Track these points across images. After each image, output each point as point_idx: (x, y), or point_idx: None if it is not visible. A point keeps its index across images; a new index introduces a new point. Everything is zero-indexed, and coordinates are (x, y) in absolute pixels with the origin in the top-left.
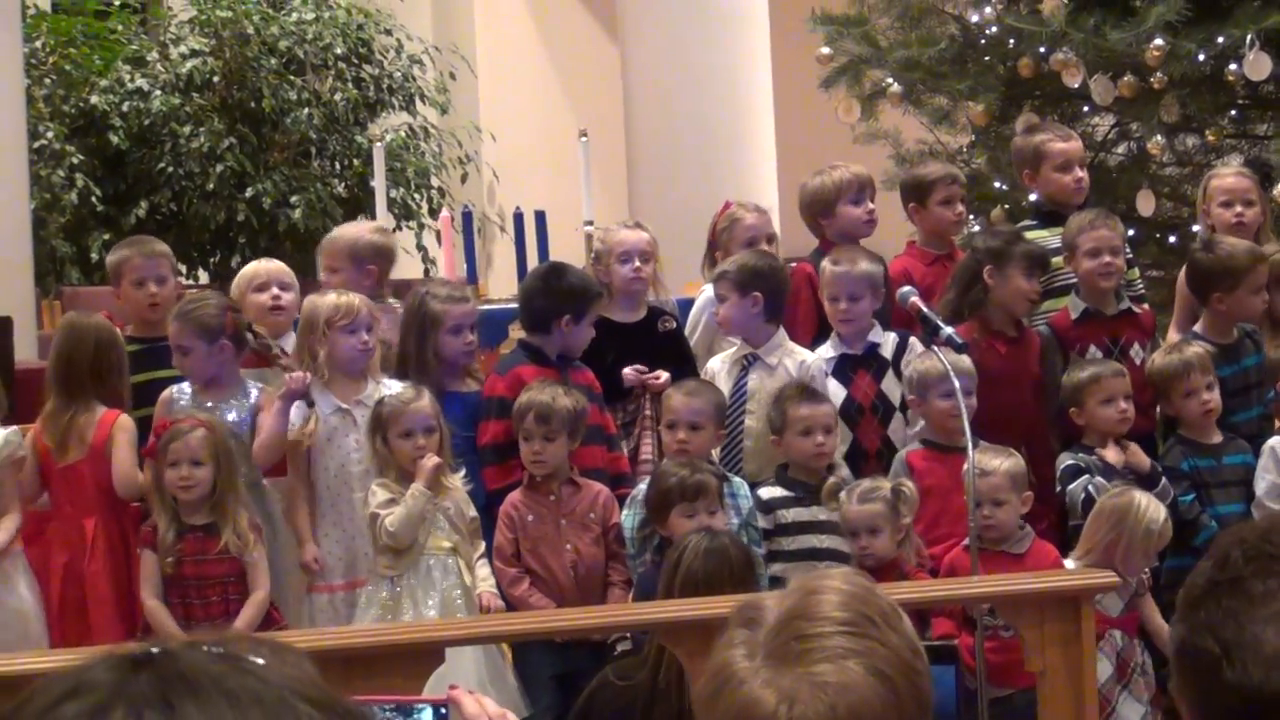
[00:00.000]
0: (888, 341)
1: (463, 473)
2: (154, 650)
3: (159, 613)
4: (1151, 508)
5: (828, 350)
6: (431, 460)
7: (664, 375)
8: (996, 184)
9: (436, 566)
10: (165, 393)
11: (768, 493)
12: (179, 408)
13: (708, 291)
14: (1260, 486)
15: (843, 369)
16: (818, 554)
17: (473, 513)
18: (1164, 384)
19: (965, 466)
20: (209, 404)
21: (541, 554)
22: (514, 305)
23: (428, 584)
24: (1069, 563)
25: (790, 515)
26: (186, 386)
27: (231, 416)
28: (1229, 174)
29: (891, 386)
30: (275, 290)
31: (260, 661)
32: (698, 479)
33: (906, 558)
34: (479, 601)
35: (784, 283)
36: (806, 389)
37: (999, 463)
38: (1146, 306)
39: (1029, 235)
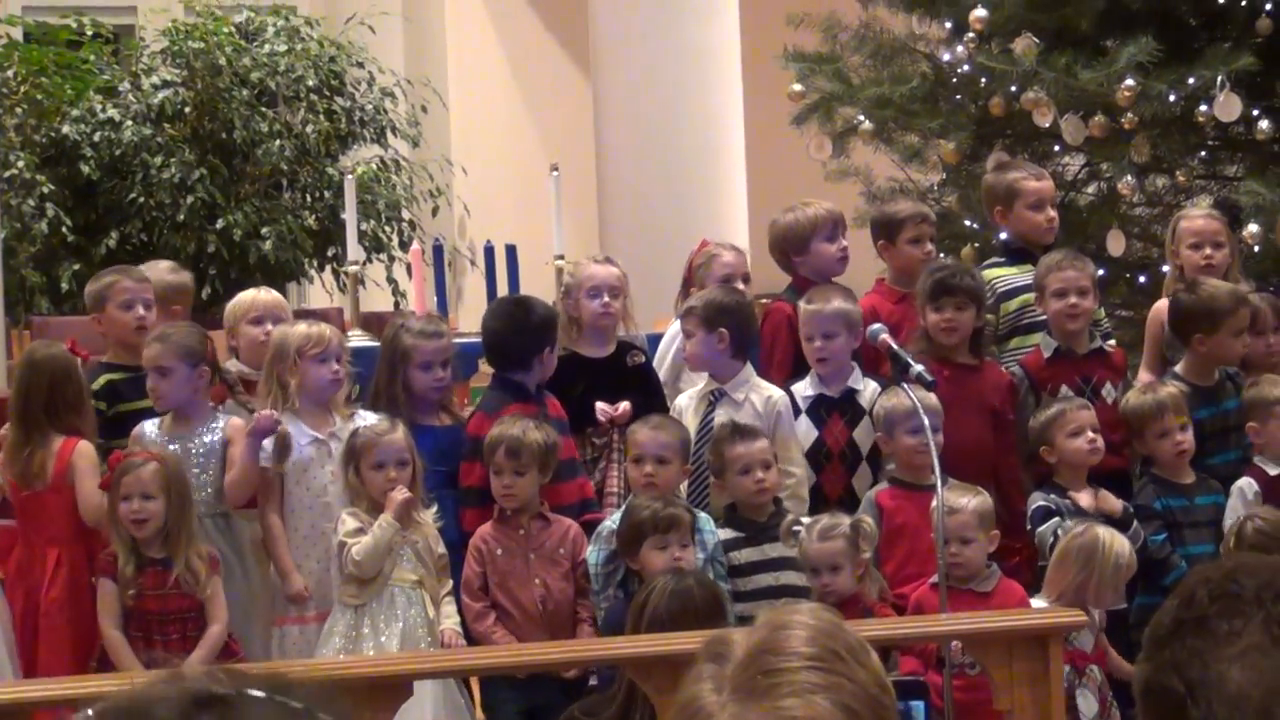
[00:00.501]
0: (867, 389)
1: (434, 509)
2: (216, 691)
3: (118, 643)
4: (1116, 542)
5: (805, 388)
6: (401, 493)
7: (624, 405)
8: (967, 222)
9: (400, 598)
10: (136, 429)
11: (718, 535)
12: (146, 441)
13: (676, 326)
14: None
15: (817, 410)
16: (775, 592)
17: (441, 549)
18: (1138, 423)
19: (933, 504)
20: (178, 438)
21: (510, 588)
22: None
23: (390, 614)
24: (1036, 602)
25: (742, 556)
26: (156, 422)
27: (207, 438)
28: (1198, 216)
29: (864, 435)
30: (269, 326)
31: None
32: (670, 512)
33: (868, 592)
34: (441, 638)
35: (751, 319)
36: (739, 428)
37: (967, 500)
38: (1115, 344)
39: (997, 272)
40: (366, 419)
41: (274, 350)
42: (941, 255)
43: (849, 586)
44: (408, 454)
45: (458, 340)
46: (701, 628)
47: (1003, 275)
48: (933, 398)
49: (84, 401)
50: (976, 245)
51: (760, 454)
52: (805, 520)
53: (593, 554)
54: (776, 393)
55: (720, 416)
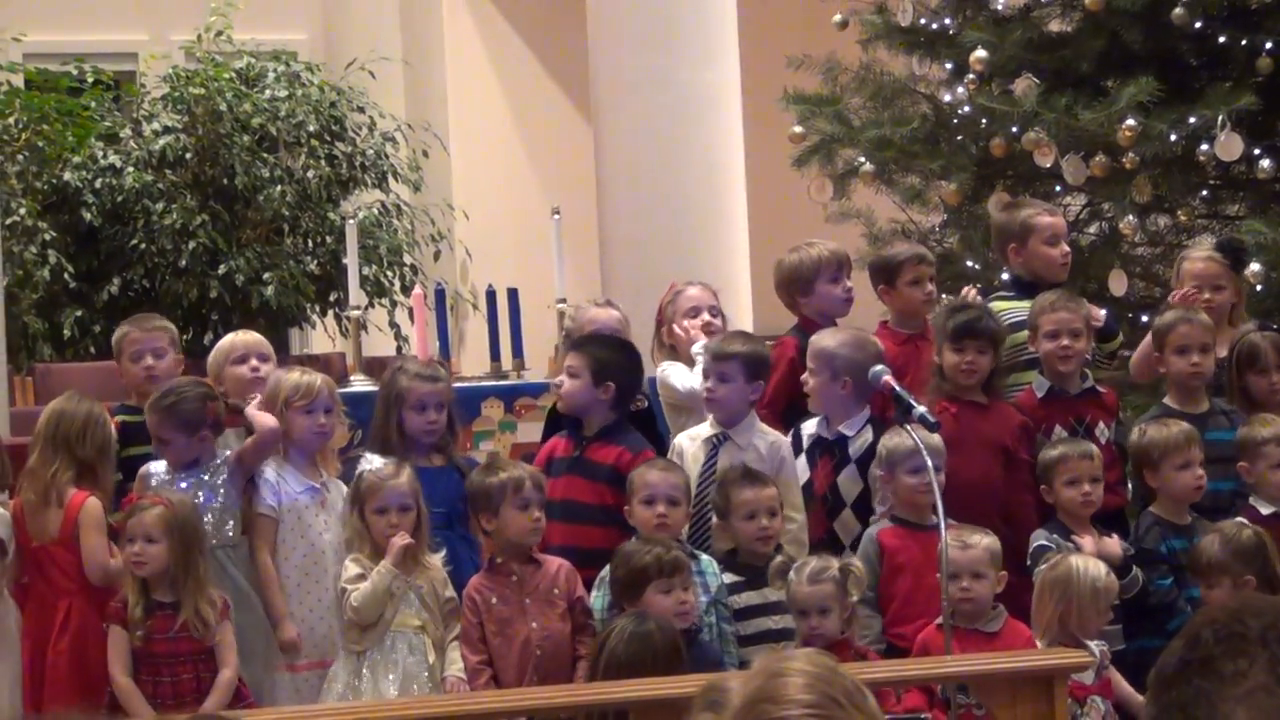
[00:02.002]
0: (860, 439)
1: (442, 553)
2: None
3: (128, 692)
4: (1090, 566)
5: (810, 427)
6: (400, 539)
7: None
8: (969, 263)
9: (402, 644)
10: (143, 469)
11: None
12: (152, 481)
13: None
14: None
15: (813, 451)
16: (775, 635)
17: (449, 593)
18: (1159, 454)
19: (940, 544)
20: (184, 480)
21: (508, 635)
22: (488, 383)
23: (390, 660)
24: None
25: (742, 600)
26: (159, 464)
27: (218, 474)
28: (1199, 258)
29: (848, 481)
30: (254, 362)
31: None
32: (674, 556)
33: (855, 636)
34: (444, 685)
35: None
36: (749, 472)
37: (979, 538)
38: (1109, 388)
39: (1005, 305)
40: (373, 462)
41: (268, 395)
42: (943, 296)
43: (837, 630)
44: (411, 499)
45: (460, 385)
46: (659, 673)
47: (1011, 308)
48: (936, 438)
49: (110, 455)
50: (979, 285)
51: (768, 500)
52: (795, 563)
53: (597, 599)
54: (780, 438)
55: (723, 460)
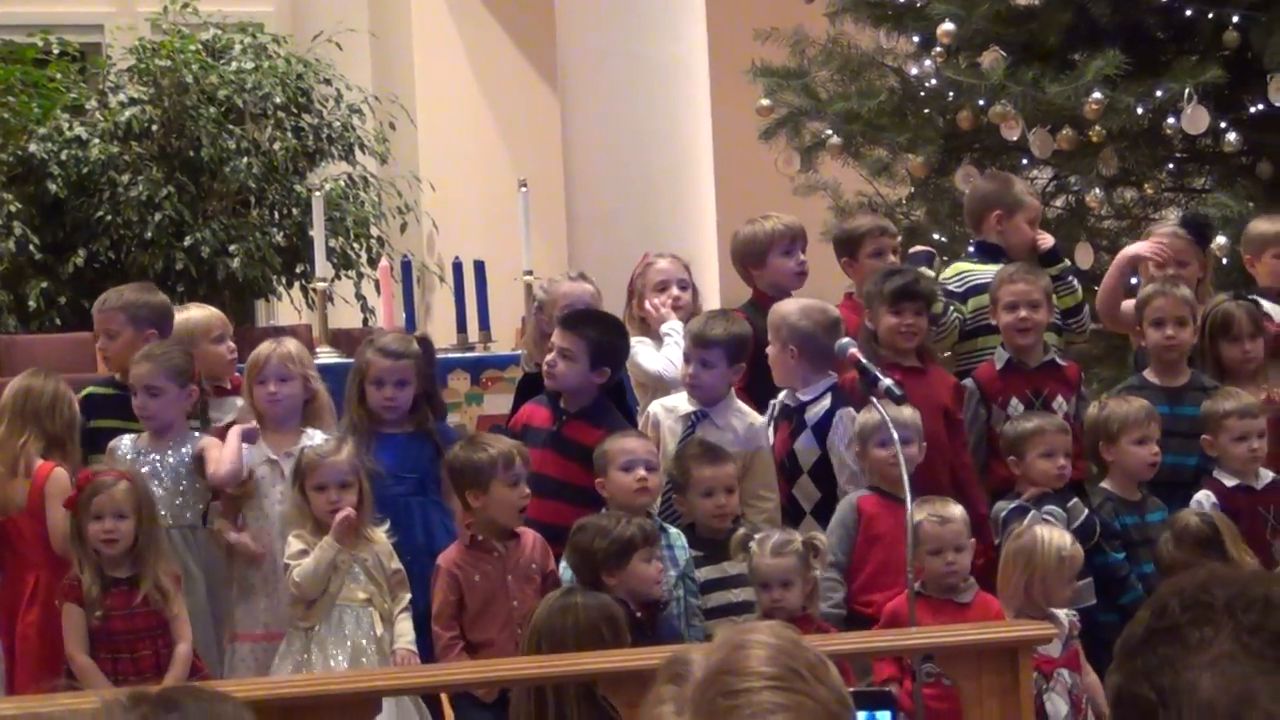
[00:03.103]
0: (817, 406)
1: (386, 525)
2: None
3: (86, 670)
4: (1055, 536)
5: (781, 396)
6: (340, 514)
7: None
8: (936, 236)
9: (349, 618)
10: (113, 442)
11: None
12: (120, 456)
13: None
14: None
15: (777, 419)
16: (733, 609)
17: (395, 565)
18: (1120, 428)
19: (907, 515)
20: (154, 453)
21: (492, 612)
22: (454, 355)
23: (339, 635)
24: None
25: (701, 574)
26: (129, 438)
27: (183, 450)
28: (1163, 234)
29: (804, 447)
30: (231, 343)
31: None
32: (654, 525)
33: (815, 611)
34: (394, 658)
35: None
36: (709, 448)
37: (953, 510)
38: (1071, 361)
39: (967, 266)
40: (314, 439)
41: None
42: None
43: (799, 604)
44: (351, 475)
45: None
46: (583, 646)
47: (973, 270)
48: (908, 411)
49: (75, 432)
50: (945, 258)
51: (726, 479)
52: (757, 535)
53: (566, 573)
54: (758, 419)
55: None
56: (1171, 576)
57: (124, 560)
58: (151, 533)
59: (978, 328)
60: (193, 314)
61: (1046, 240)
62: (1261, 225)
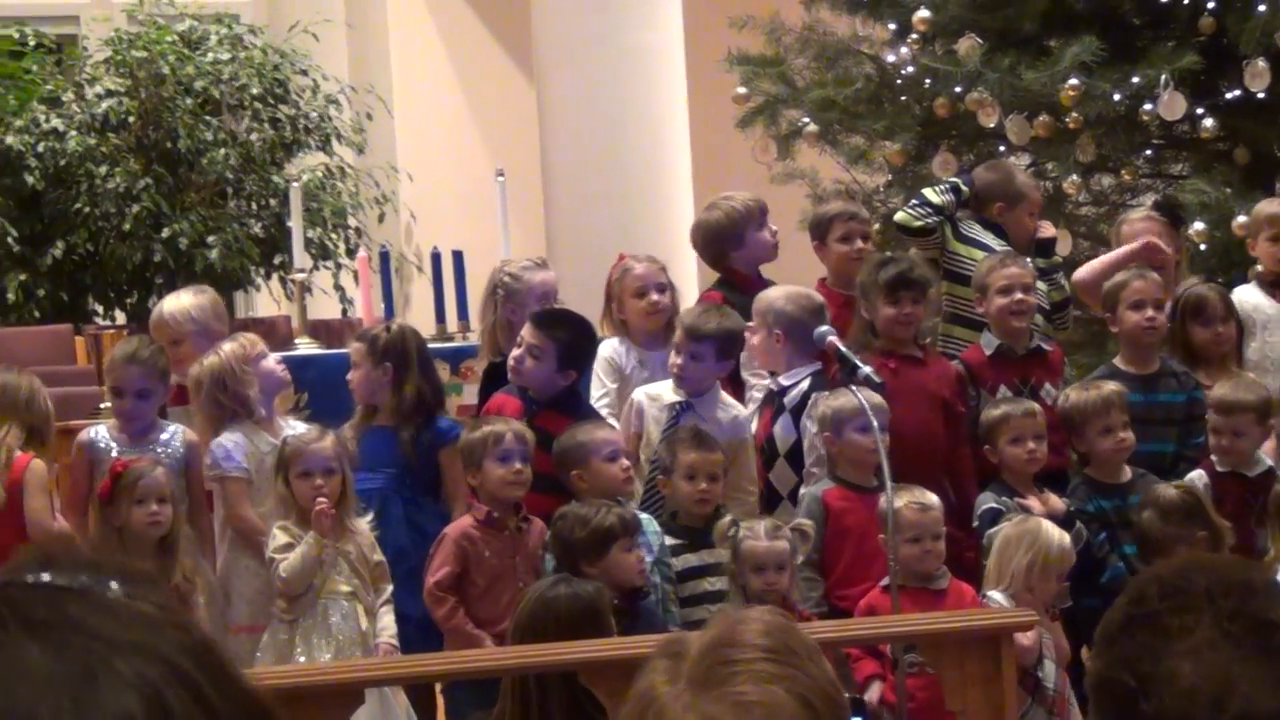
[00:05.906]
0: (795, 390)
1: (369, 516)
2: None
3: None
4: (1055, 530)
5: (766, 382)
6: (319, 506)
7: None
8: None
9: (334, 611)
10: (83, 435)
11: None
12: (102, 449)
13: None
14: None
15: (762, 404)
16: (710, 597)
17: (378, 557)
18: (1081, 419)
19: (882, 504)
20: (135, 445)
21: (496, 592)
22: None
23: (324, 628)
24: (996, 595)
25: (679, 563)
26: (103, 429)
27: (165, 439)
28: (1138, 219)
29: (781, 432)
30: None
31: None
32: (633, 514)
33: (796, 600)
34: (376, 652)
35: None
36: (698, 434)
37: (932, 498)
38: (1055, 346)
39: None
40: (296, 428)
41: None
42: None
43: (789, 588)
44: (335, 463)
45: None
46: (565, 637)
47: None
48: (879, 398)
49: (51, 425)
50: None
51: (711, 465)
52: (743, 523)
53: (548, 562)
54: (742, 411)
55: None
56: (1157, 553)
57: (151, 548)
58: (180, 520)
59: (955, 317)
60: (188, 300)
61: (1048, 229)
62: (1262, 206)
